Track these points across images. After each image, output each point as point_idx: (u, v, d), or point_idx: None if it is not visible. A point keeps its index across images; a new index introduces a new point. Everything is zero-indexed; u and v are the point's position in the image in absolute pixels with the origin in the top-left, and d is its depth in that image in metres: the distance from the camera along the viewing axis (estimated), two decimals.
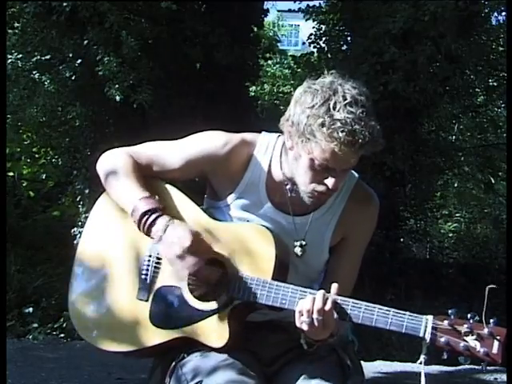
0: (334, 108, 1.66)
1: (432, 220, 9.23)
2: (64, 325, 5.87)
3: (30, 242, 8.36)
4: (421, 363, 1.56)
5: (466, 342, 1.52)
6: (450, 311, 1.55)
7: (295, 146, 1.75)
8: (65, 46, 5.92)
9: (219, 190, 1.87)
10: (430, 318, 1.55)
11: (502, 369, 3.11)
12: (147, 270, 1.80)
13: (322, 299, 1.62)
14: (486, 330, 1.51)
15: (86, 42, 5.65)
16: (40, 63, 6.34)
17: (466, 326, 1.52)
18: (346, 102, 1.67)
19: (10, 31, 6.34)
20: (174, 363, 1.73)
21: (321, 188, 1.74)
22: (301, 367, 1.74)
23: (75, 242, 6.44)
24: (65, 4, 5.59)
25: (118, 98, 5.44)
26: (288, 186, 1.82)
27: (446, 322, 1.54)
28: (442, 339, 1.52)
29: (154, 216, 1.75)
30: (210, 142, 1.89)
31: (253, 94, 9.23)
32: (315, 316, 1.62)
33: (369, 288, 6.47)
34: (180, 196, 1.88)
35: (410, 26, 6.13)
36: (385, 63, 6.28)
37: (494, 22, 7.57)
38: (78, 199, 6.92)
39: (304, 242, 1.81)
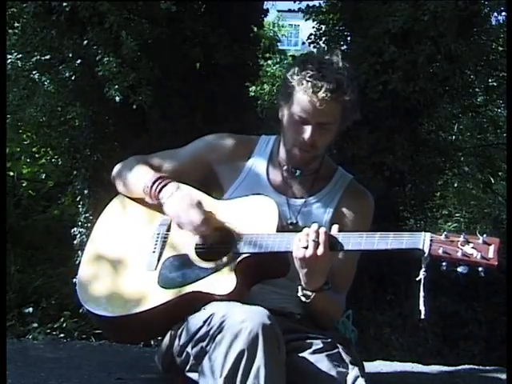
0: (310, 64, 1.86)
1: (432, 220, 9.22)
2: (64, 325, 5.89)
3: (30, 242, 8.36)
4: (420, 280, 1.65)
5: (463, 249, 1.62)
6: (444, 231, 1.68)
7: (282, 109, 1.93)
8: (64, 46, 5.92)
9: (224, 180, 2.00)
10: (428, 233, 1.67)
11: (502, 369, 3.11)
12: (155, 245, 1.91)
13: (317, 224, 1.75)
14: (480, 240, 1.63)
15: (85, 42, 5.65)
16: (40, 63, 6.34)
17: (461, 237, 1.64)
18: (322, 62, 1.87)
19: (9, 31, 6.34)
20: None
21: (301, 139, 1.89)
22: (303, 355, 1.78)
23: (75, 241, 6.45)
24: (65, 4, 5.59)
25: (117, 98, 5.44)
26: (285, 168, 1.98)
27: (442, 235, 1.66)
28: (440, 249, 1.63)
29: (163, 182, 1.92)
30: (213, 136, 2.06)
31: (253, 94, 9.22)
32: (311, 237, 1.70)
33: (368, 288, 6.48)
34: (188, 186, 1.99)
35: (409, 25, 6.13)
36: (384, 63, 6.28)
37: (493, 22, 7.57)
38: (77, 199, 6.92)
39: (295, 221, 1.91)
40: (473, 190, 10.87)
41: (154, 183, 1.93)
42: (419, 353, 6.09)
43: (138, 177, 2.00)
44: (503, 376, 2.99)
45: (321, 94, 1.82)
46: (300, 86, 1.84)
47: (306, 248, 1.69)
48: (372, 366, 3.11)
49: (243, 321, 1.57)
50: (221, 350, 1.57)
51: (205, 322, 1.68)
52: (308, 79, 1.83)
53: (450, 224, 10.87)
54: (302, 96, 1.84)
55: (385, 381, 2.95)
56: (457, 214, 11.13)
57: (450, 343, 6.57)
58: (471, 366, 3.58)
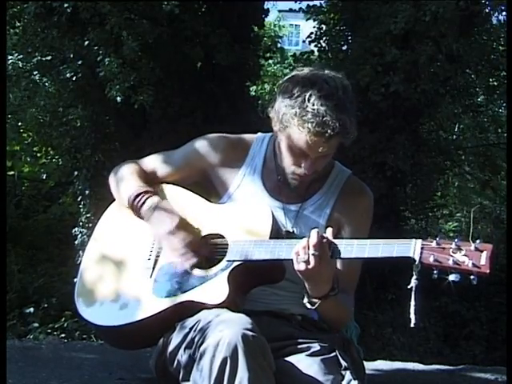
0: (309, 100, 1.75)
1: (433, 220, 9.23)
2: (65, 325, 5.88)
3: (31, 241, 8.36)
4: (411, 288, 1.62)
5: (455, 257, 1.57)
6: (437, 237, 1.61)
7: (278, 131, 1.87)
8: (65, 46, 5.92)
9: (219, 185, 1.98)
10: (419, 240, 1.62)
11: (503, 369, 3.11)
12: (151, 251, 1.91)
13: (316, 235, 1.69)
14: (472, 246, 1.57)
15: (86, 42, 5.66)
16: (41, 64, 6.34)
17: (453, 244, 1.58)
18: (321, 94, 1.76)
19: (10, 31, 6.33)
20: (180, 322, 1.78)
21: (299, 171, 1.86)
22: (299, 358, 1.77)
23: (76, 242, 6.45)
24: (66, 5, 5.59)
25: (118, 99, 5.44)
26: (280, 175, 1.93)
27: (434, 242, 1.60)
28: (431, 257, 1.58)
29: (144, 198, 1.91)
30: (207, 139, 2.02)
31: (253, 93, 9.23)
32: (311, 252, 1.67)
33: (370, 287, 6.47)
34: (182, 191, 1.99)
35: (410, 26, 6.13)
36: (386, 63, 6.28)
37: (494, 22, 7.56)
38: (78, 199, 6.92)
39: (291, 229, 1.89)
40: (474, 190, 10.86)
41: (133, 200, 1.92)
42: (420, 352, 6.08)
43: (124, 190, 1.99)
44: (504, 376, 2.99)
45: (325, 139, 1.75)
46: (300, 128, 1.75)
47: (307, 262, 1.67)
48: (373, 366, 3.11)
49: (222, 330, 1.58)
50: (206, 360, 1.58)
51: (191, 328, 1.69)
52: (309, 126, 1.72)
53: (450, 224, 10.87)
54: (303, 136, 1.76)
55: (386, 380, 2.95)
56: (458, 214, 11.12)
57: (451, 343, 6.56)
58: (472, 366, 3.58)
